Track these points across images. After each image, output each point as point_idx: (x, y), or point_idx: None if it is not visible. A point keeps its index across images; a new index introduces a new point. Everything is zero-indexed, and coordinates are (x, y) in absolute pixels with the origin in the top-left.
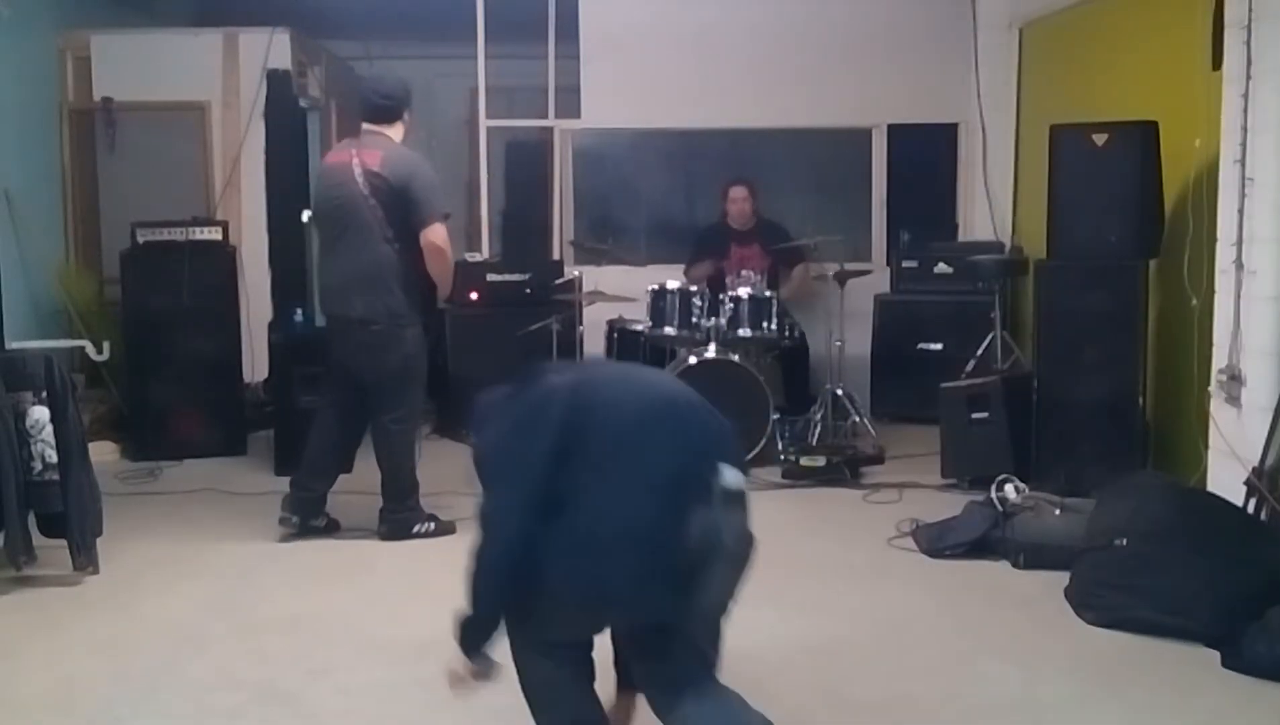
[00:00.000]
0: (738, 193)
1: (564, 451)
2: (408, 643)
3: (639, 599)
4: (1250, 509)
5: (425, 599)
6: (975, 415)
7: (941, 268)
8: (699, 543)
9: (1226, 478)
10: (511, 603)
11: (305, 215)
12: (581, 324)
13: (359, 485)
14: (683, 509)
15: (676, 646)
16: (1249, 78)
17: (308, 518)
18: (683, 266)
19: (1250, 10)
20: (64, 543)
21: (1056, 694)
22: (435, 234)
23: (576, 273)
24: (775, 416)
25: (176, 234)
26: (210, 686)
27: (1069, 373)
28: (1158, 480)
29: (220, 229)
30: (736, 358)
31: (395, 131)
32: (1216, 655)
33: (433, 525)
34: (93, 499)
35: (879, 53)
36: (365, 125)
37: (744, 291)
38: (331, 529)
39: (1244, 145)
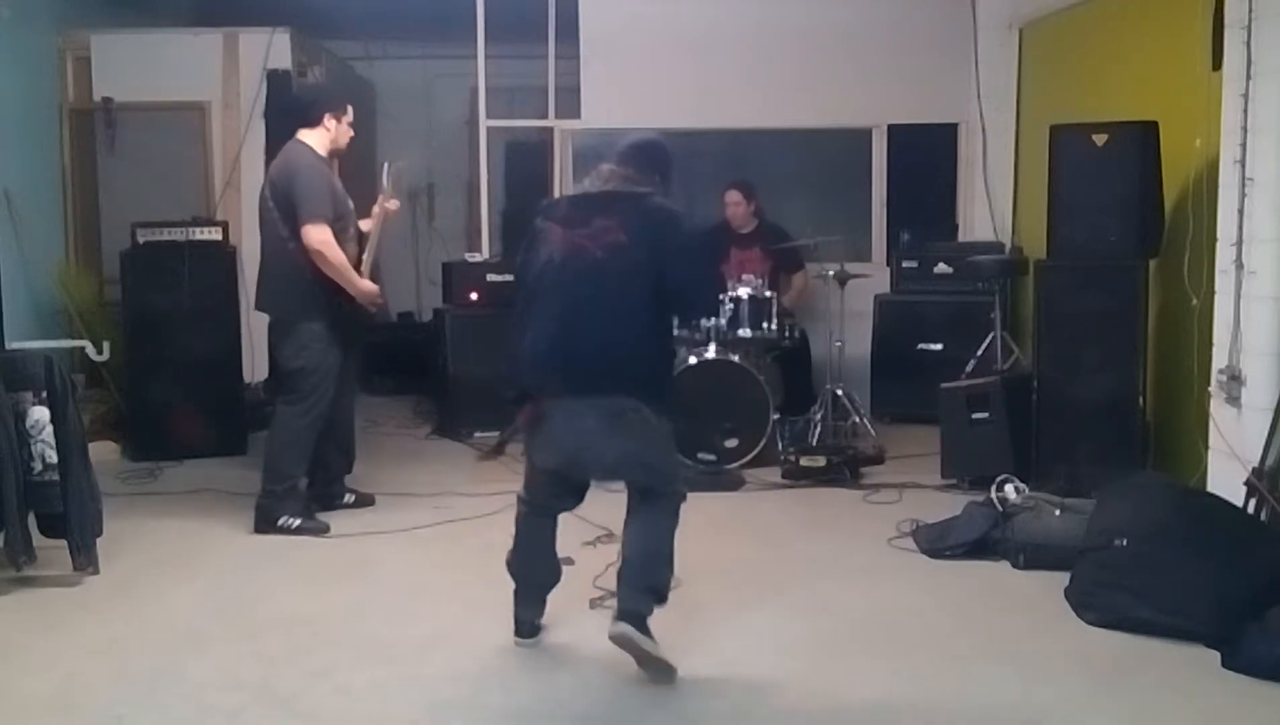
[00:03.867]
0: (731, 197)
1: None
2: (408, 643)
3: None
4: (1250, 509)
5: (425, 599)
6: (975, 415)
7: (941, 268)
8: None
9: (1226, 478)
10: None
11: None
12: None
13: (358, 486)
14: None
15: None
16: (1249, 78)
17: (330, 501)
18: None
19: (1250, 10)
20: (64, 543)
21: (1056, 694)
22: (309, 236)
23: None
24: (775, 417)
25: (176, 234)
26: (210, 686)
27: (1069, 373)
28: (1158, 480)
29: (220, 229)
30: (736, 358)
31: (314, 136)
32: (1216, 655)
33: (297, 522)
34: (93, 499)
35: (879, 53)
36: None
37: (744, 292)
38: (365, 503)
39: (1244, 145)
